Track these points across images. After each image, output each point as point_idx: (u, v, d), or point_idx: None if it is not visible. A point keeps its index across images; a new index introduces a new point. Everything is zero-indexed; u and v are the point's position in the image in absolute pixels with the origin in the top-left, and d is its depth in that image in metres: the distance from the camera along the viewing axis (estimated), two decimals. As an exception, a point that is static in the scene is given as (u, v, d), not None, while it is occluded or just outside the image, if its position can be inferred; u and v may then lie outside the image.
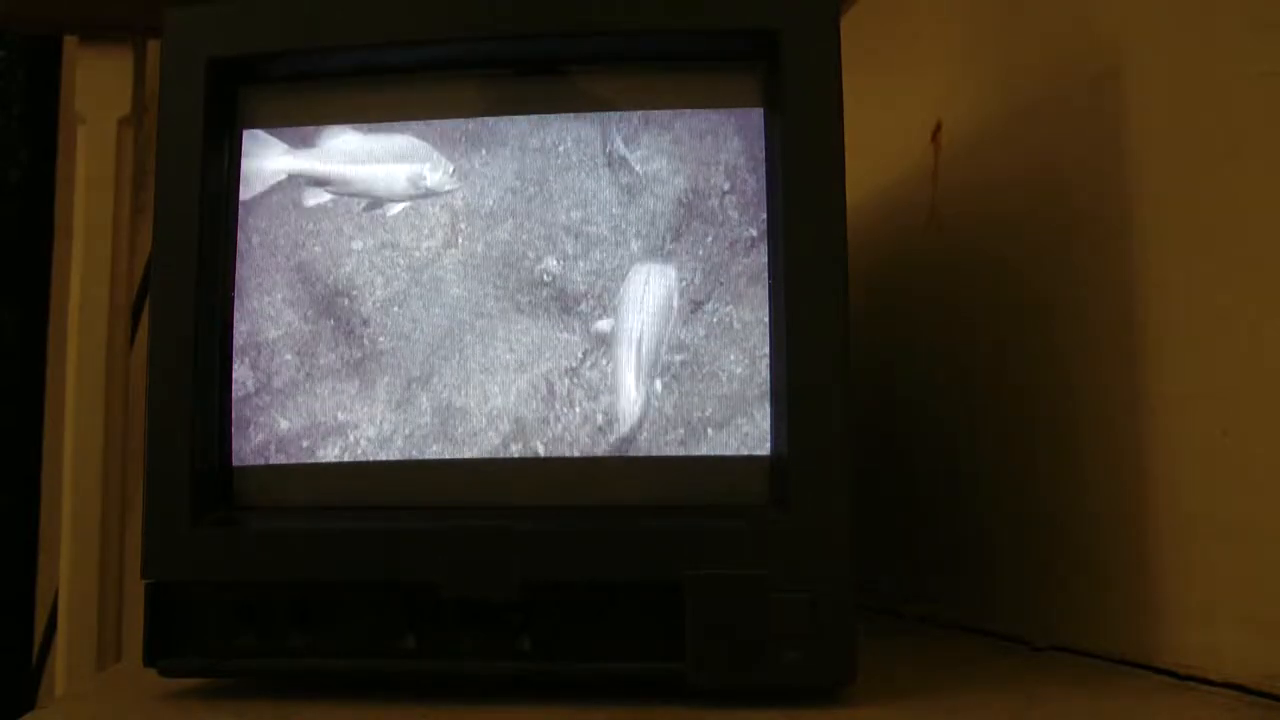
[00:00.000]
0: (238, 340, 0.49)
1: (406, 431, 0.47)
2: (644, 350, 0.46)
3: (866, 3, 0.78)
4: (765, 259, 0.46)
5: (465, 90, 0.50)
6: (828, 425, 0.44)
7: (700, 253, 0.47)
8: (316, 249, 0.49)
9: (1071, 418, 0.54)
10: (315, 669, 0.46)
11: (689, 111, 0.48)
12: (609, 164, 0.48)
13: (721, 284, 0.47)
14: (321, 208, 0.49)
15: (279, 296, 0.49)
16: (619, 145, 0.48)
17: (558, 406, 0.47)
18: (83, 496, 0.82)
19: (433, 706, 0.44)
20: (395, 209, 0.49)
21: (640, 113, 0.48)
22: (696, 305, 0.46)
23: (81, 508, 0.82)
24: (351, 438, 0.48)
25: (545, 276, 0.47)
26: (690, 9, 0.47)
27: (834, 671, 0.43)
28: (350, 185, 0.49)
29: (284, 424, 0.48)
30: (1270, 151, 0.43)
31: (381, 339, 0.48)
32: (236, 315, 0.49)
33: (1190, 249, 0.47)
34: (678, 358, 0.46)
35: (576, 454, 0.46)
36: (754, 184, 0.47)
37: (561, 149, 0.48)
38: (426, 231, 0.48)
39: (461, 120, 0.49)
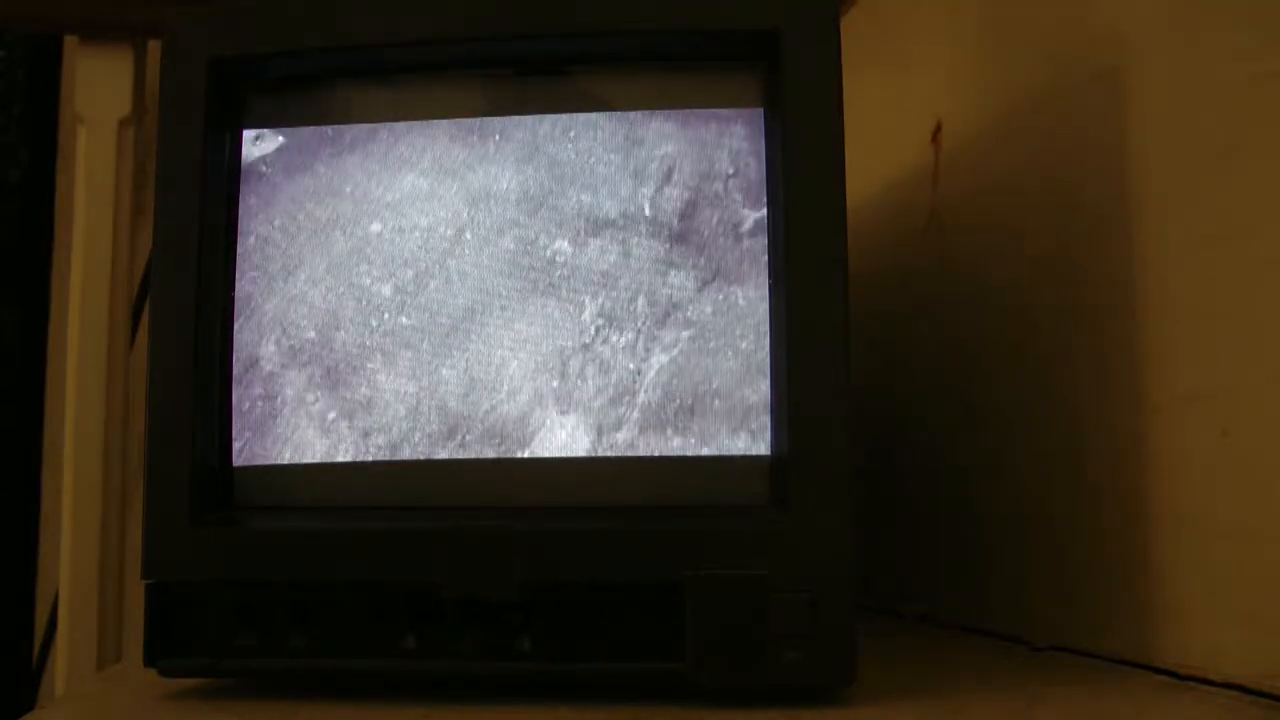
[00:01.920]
0: (237, 341, 0.49)
1: (408, 433, 0.47)
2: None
3: (866, 3, 0.78)
4: (765, 259, 0.46)
5: (465, 91, 0.50)
6: (828, 425, 0.44)
7: (699, 253, 0.47)
8: (318, 251, 0.49)
9: (1071, 418, 0.54)
10: (315, 669, 0.46)
11: (689, 111, 0.48)
12: (607, 165, 0.48)
13: (721, 284, 0.46)
14: (320, 208, 0.49)
15: (278, 297, 0.49)
16: (618, 146, 0.48)
17: (558, 408, 0.47)
18: (83, 496, 0.82)
19: (433, 706, 0.44)
20: None
21: (640, 113, 0.48)
22: (698, 290, 0.46)
23: (81, 508, 0.82)
24: (351, 439, 0.48)
25: (549, 274, 0.47)
26: (690, 9, 0.47)
27: (834, 671, 0.43)
28: None
29: (283, 425, 0.48)
30: (1270, 151, 0.43)
31: (382, 342, 0.48)
32: (236, 316, 0.49)
33: (1190, 249, 0.47)
34: (678, 357, 0.46)
35: (576, 454, 0.46)
36: (753, 185, 0.47)
37: (561, 150, 0.48)
38: (433, 235, 0.48)
39: (461, 121, 0.49)
